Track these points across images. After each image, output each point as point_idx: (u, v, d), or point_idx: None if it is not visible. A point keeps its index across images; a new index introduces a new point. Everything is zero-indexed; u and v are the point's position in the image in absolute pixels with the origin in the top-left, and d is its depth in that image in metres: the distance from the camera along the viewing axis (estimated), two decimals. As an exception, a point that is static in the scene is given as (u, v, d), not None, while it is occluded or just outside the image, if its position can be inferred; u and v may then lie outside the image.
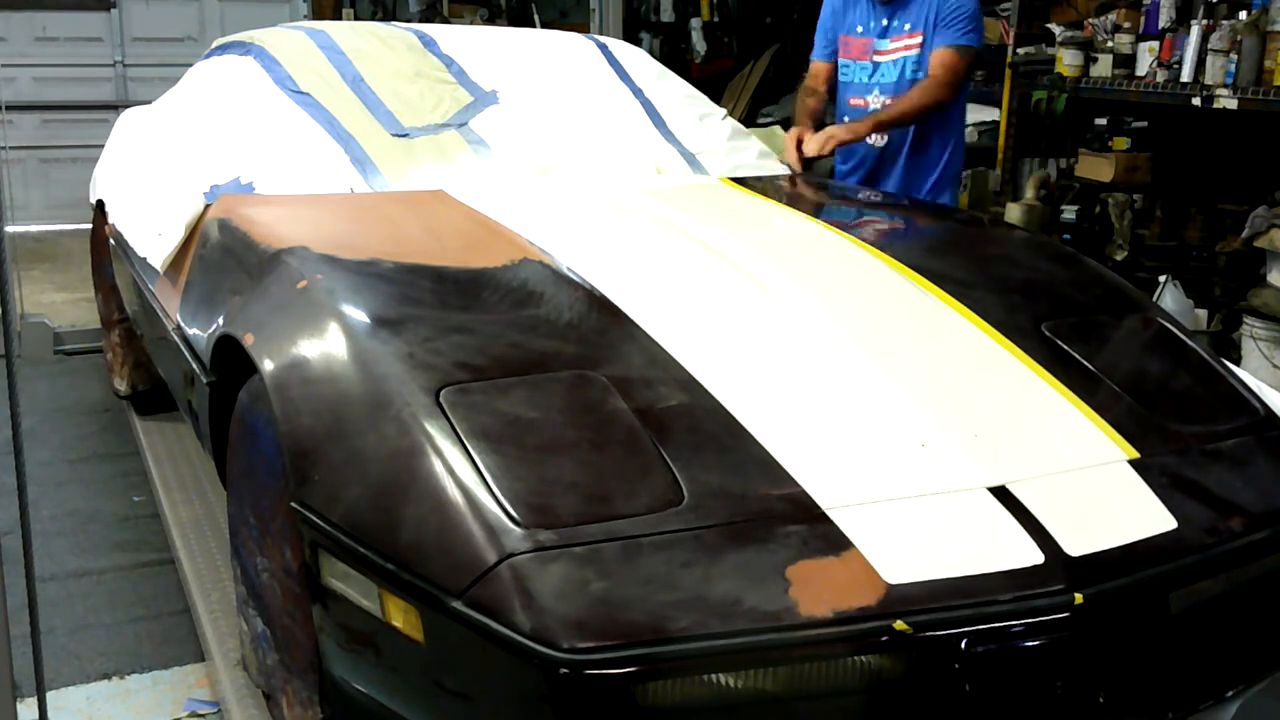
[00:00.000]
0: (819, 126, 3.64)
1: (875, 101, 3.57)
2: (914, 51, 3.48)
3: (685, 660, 1.47)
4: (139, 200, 3.27)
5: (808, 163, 3.59)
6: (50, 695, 2.20)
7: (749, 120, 7.53)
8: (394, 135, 3.02)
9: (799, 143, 3.52)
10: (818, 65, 3.79)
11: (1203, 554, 1.76)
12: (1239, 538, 1.81)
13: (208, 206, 2.73)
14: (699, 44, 8.66)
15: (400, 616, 1.63)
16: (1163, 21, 4.90)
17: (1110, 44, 5.18)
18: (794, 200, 3.01)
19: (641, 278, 2.24)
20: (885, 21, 3.52)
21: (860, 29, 3.59)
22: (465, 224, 2.56)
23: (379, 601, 1.66)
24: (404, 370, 1.82)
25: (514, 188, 2.91)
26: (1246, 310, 4.50)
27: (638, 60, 3.68)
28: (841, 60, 3.67)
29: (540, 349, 1.95)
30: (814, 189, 3.29)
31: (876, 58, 3.55)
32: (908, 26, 3.47)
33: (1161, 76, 4.83)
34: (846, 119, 3.65)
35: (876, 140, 3.58)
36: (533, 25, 7.87)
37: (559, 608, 1.48)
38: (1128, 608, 1.67)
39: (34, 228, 7.36)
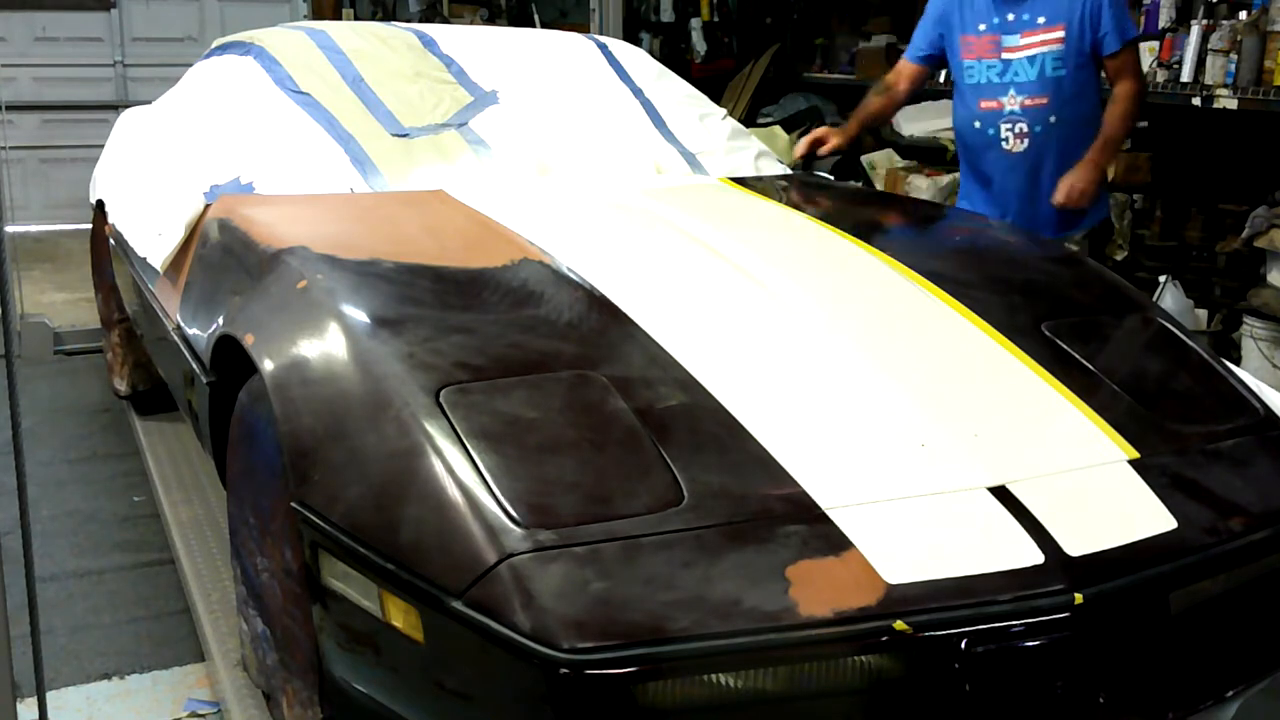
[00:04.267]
0: (870, 130, 3.56)
1: (1012, 102, 3.31)
2: (1055, 47, 3.25)
3: (685, 660, 1.47)
4: (139, 200, 3.27)
5: (808, 161, 3.51)
6: (50, 695, 2.20)
7: (749, 120, 7.52)
8: (394, 135, 3.02)
9: (816, 142, 3.43)
10: (907, 66, 3.56)
11: (1203, 554, 1.76)
12: (1239, 538, 1.81)
13: (208, 206, 2.73)
14: (699, 44, 8.66)
15: (400, 616, 1.63)
16: (1163, 21, 4.90)
17: (1110, 44, 5.17)
18: (794, 200, 3.01)
19: (641, 278, 2.24)
20: (1011, 16, 3.30)
21: (983, 26, 3.35)
22: (465, 224, 2.56)
23: (379, 601, 1.66)
24: (404, 370, 1.82)
25: (514, 188, 2.91)
26: (1246, 310, 4.50)
27: (638, 60, 3.68)
28: (963, 62, 3.41)
29: (540, 349, 1.95)
30: (814, 189, 3.29)
31: (1006, 55, 3.31)
32: (1042, 20, 3.26)
33: (1161, 76, 4.82)
34: (976, 124, 3.41)
35: (1014, 145, 3.37)
36: (533, 25, 7.86)
37: (559, 608, 1.48)
38: (1128, 608, 1.67)
39: (34, 228, 7.37)
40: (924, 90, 4.11)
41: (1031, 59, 3.30)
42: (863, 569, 1.58)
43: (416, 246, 2.39)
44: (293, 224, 2.49)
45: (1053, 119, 3.31)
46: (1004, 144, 3.37)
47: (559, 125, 3.20)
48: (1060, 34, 3.26)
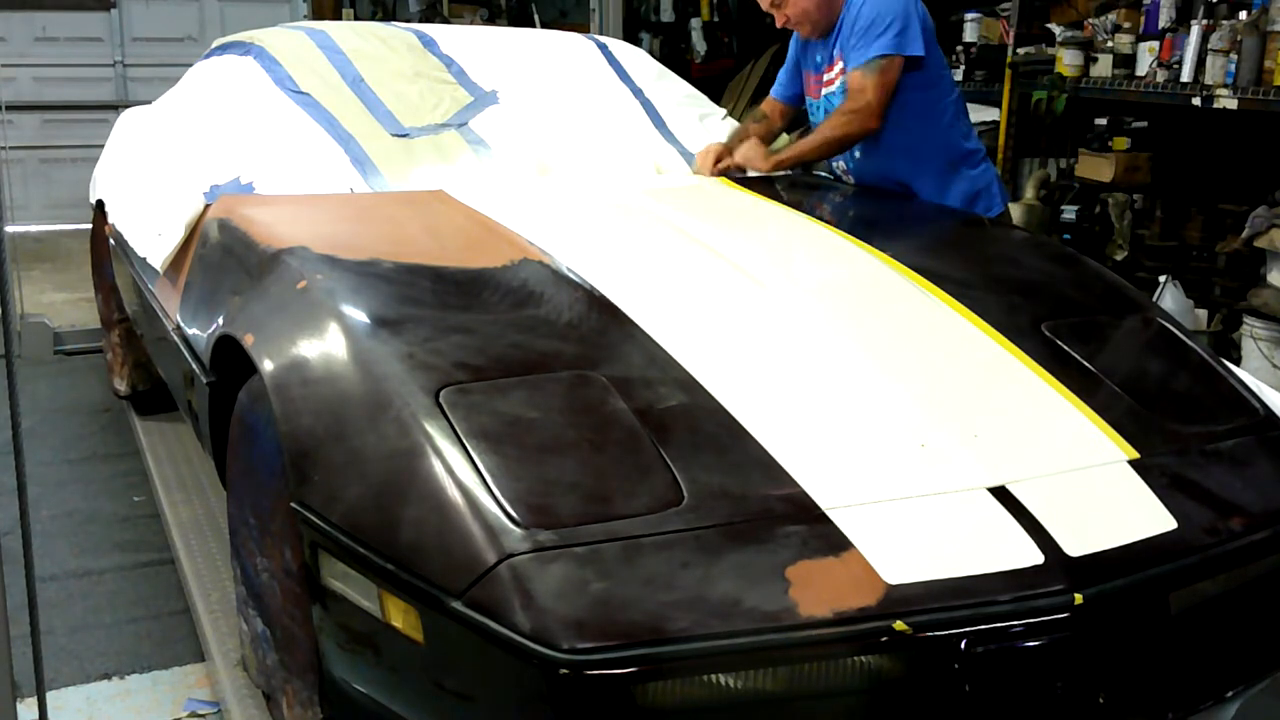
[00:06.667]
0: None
1: None
2: (836, 84, 3.20)
3: (685, 660, 1.47)
4: (139, 200, 3.27)
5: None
6: (50, 695, 2.20)
7: (749, 120, 7.51)
8: (394, 135, 3.02)
9: (718, 158, 3.22)
10: (773, 103, 3.44)
11: (1203, 554, 1.76)
12: (1239, 538, 1.81)
13: (208, 206, 2.73)
14: (699, 44, 8.66)
15: (400, 617, 1.63)
16: (1163, 21, 4.90)
17: (1110, 44, 5.18)
18: (793, 200, 3.01)
19: (641, 278, 2.24)
20: (819, 57, 3.26)
21: (814, 66, 3.32)
22: (465, 224, 2.56)
23: (379, 602, 1.66)
24: (404, 370, 1.82)
25: (514, 188, 2.91)
26: (1246, 310, 4.51)
27: (638, 60, 3.68)
28: (809, 99, 3.38)
29: (540, 349, 1.95)
30: (813, 189, 3.29)
31: (824, 92, 3.29)
32: (834, 55, 3.20)
33: (1161, 76, 4.83)
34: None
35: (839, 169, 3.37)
36: (533, 25, 7.86)
37: (559, 608, 1.48)
38: (1128, 608, 1.67)
39: (34, 228, 7.37)
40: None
41: (828, 97, 3.24)
42: (862, 569, 1.58)
43: (416, 247, 2.39)
44: (293, 224, 2.48)
45: (857, 152, 3.24)
46: (839, 173, 3.37)
47: (559, 125, 3.20)
48: (839, 67, 3.17)
